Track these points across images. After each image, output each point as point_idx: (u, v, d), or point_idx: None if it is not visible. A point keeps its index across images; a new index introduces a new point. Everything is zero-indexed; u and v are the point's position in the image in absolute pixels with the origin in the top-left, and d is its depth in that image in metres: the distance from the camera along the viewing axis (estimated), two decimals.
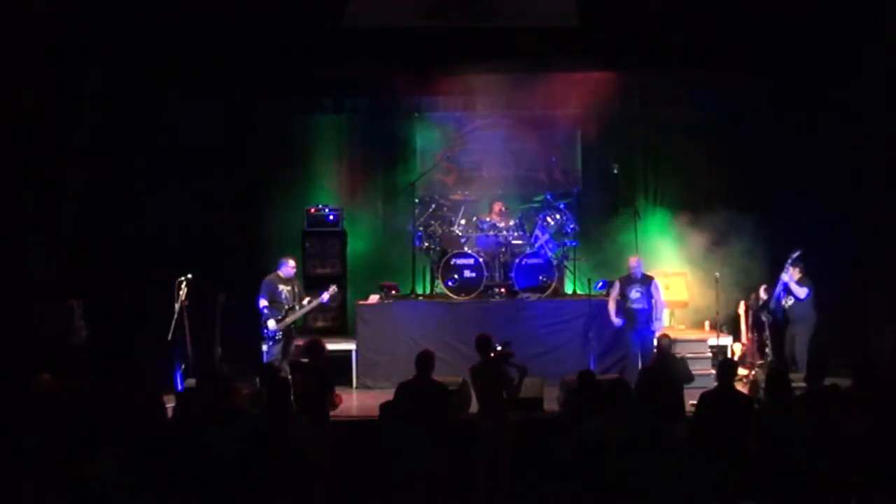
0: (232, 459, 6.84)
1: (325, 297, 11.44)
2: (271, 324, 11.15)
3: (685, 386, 9.16)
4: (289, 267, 11.44)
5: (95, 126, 11.92)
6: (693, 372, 9.93)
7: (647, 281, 11.52)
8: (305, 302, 11.38)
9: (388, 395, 9.02)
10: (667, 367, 9.30)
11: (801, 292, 11.18)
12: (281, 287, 11.31)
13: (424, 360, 8.62)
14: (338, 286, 13.33)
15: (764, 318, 11.46)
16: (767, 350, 11.56)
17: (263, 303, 11.23)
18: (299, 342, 11.06)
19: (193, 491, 6.98)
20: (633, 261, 11.68)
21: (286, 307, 11.23)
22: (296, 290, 11.40)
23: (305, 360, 9.37)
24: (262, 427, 7.03)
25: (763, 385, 10.05)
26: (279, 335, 11.16)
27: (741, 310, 12.05)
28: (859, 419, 7.53)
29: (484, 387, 8.86)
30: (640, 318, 11.41)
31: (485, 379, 8.84)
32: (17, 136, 11.01)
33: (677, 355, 10.03)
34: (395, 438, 8.07)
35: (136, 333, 11.36)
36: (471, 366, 9.13)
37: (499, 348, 9.03)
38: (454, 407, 9.34)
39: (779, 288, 11.27)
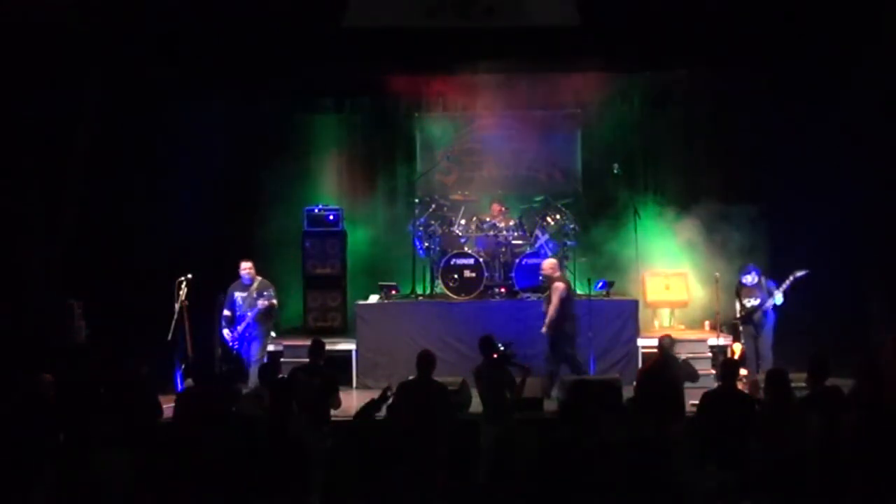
0: (232, 460, 6.84)
1: (262, 303, 11.14)
2: (225, 333, 11.13)
3: (688, 385, 9.16)
4: (241, 271, 11.25)
5: (95, 126, 11.92)
6: None
7: (549, 285, 11.35)
8: (259, 304, 11.15)
9: None
10: (667, 367, 9.30)
11: (779, 299, 11.30)
12: (237, 295, 11.23)
13: (425, 360, 8.62)
14: (338, 286, 13.40)
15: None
16: None
17: (225, 313, 11.21)
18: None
19: (193, 491, 6.97)
20: (542, 264, 11.66)
21: (237, 314, 11.14)
22: (254, 294, 11.19)
23: (306, 360, 9.39)
24: (263, 427, 7.02)
25: (763, 385, 10.09)
26: (236, 344, 11.10)
27: None
28: (860, 420, 7.53)
29: (487, 388, 8.86)
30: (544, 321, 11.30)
31: (487, 380, 8.84)
32: (17, 137, 11.01)
33: (677, 355, 10.05)
34: (397, 439, 8.04)
35: (136, 333, 11.34)
36: (474, 367, 9.13)
37: (501, 349, 9.05)
38: (455, 407, 9.35)
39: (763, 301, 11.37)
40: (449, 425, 8.43)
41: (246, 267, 11.29)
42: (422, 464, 7.89)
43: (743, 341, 11.57)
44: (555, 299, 11.09)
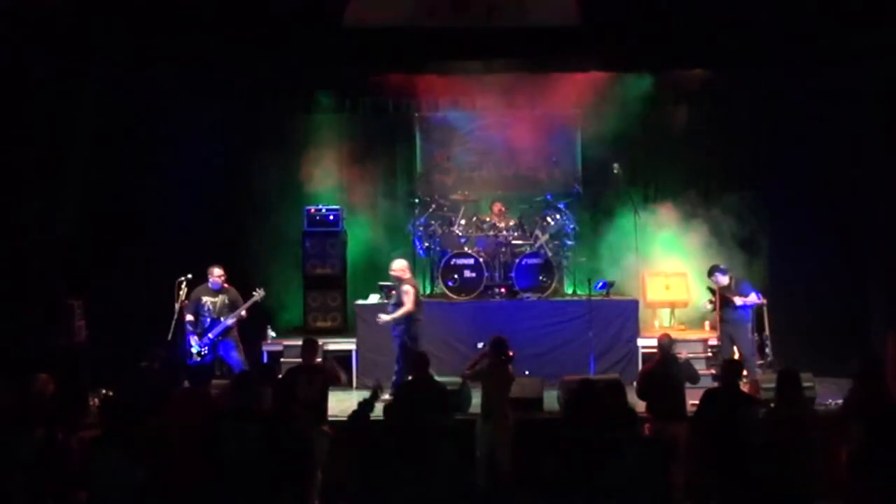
0: (235, 459, 6.84)
1: (251, 301, 11.02)
2: (193, 340, 10.89)
3: (688, 385, 9.15)
4: (213, 277, 10.99)
5: (95, 126, 11.92)
6: None
7: (399, 286, 11.19)
8: (242, 311, 10.95)
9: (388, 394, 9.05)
10: (667, 367, 9.29)
11: (752, 298, 11.25)
12: (205, 300, 10.98)
13: (422, 361, 8.66)
14: (338, 286, 13.39)
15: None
16: (767, 350, 11.57)
17: (188, 318, 10.89)
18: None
19: (195, 490, 6.98)
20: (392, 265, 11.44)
21: (209, 320, 10.94)
22: (226, 301, 11.00)
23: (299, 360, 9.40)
24: (266, 426, 7.02)
25: (763, 385, 10.09)
26: (205, 350, 10.86)
27: None
28: (861, 421, 7.53)
29: (493, 387, 8.88)
30: (394, 322, 11.14)
31: (495, 379, 8.88)
32: (17, 136, 11.00)
33: (679, 356, 10.04)
34: (397, 438, 8.05)
35: (136, 333, 11.33)
36: (485, 366, 9.16)
37: (479, 346, 9.16)
38: (455, 406, 9.37)
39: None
40: (447, 425, 8.45)
41: (219, 274, 11.03)
42: (421, 463, 7.89)
43: (721, 342, 11.48)
44: (407, 299, 10.92)
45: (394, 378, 10.83)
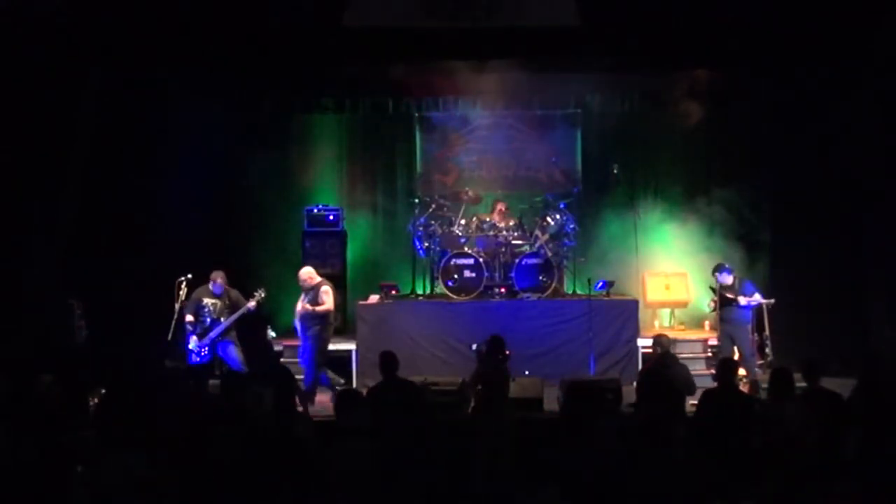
0: (238, 459, 6.84)
1: (252, 304, 11.01)
2: (193, 340, 10.91)
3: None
4: (216, 284, 11.03)
5: (95, 126, 11.92)
6: (693, 372, 9.93)
7: (315, 288, 11.15)
8: (243, 311, 10.97)
9: None
10: (666, 365, 9.28)
11: (756, 298, 11.24)
12: (206, 301, 11.00)
13: (391, 362, 8.64)
14: (338, 286, 13.38)
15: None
16: (768, 350, 11.57)
17: (188, 318, 10.92)
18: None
19: (197, 491, 6.97)
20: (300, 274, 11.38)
21: (209, 320, 10.96)
22: (227, 302, 11.03)
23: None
24: (269, 427, 7.02)
25: (763, 385, 10.08)
26: (204, 350, 10.88)
27: None
28: (860, 420, 7.53)
29: (491, 386, 8.89)
30: (302, 325, 11.15)
31: (493, 378, 8.88)
32: (17, 136, 11.00)
33: (679, 356, 10.04)
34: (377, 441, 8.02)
35: (136, 333, 11.33)
36: (477, 366, 9.17)
37: (473, 347, 9.17)
38: (434, 405, 9.39)
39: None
40: (428, 421, 8.44)
41: (220, 281, 11.06)
42: (405, 465, 7.86)
43: (721, 342, 11.48)
44: (327, 298, 10.98)
45: (303, 381, 10.82)
